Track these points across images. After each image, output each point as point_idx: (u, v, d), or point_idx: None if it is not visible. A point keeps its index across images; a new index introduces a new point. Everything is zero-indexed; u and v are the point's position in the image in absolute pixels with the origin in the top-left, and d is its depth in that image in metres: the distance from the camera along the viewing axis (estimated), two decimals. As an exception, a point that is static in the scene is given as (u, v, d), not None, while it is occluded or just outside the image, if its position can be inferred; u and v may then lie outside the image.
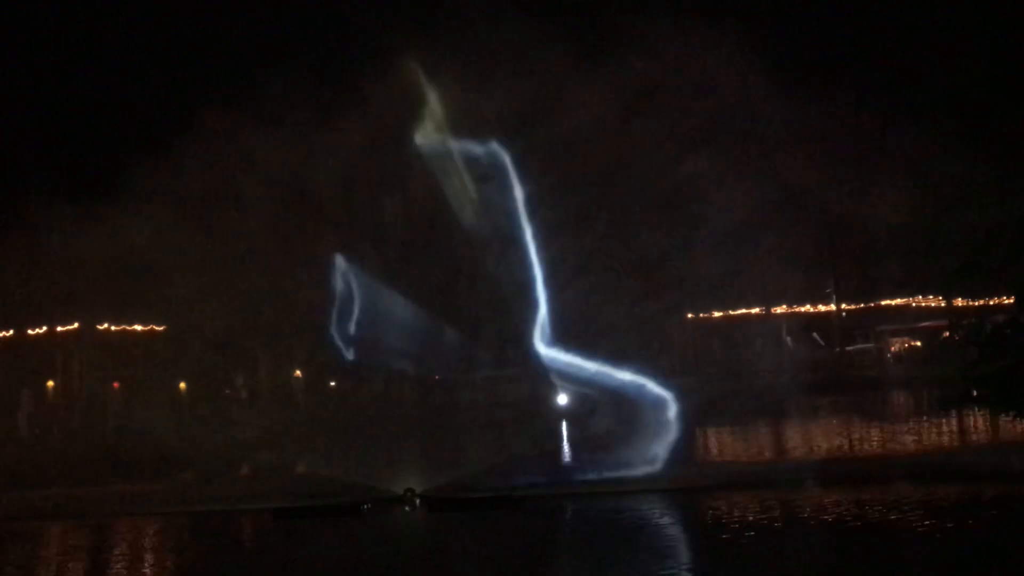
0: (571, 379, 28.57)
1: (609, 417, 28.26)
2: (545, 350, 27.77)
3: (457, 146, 28.87)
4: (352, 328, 30.07)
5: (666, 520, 22.33)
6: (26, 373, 45.69)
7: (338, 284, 30.23)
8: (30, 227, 34.57)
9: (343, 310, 30.12)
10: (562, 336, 28.04)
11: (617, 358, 28.00)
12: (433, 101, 29.26)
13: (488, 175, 28.30)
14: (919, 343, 59.17)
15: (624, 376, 26.89)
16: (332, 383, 36.77)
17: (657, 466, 25.80)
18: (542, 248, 28.38)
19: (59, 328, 46.59)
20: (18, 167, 43.88)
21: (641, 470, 25.53)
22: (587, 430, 28.74)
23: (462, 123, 28.94)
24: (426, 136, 29.50)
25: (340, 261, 30.30)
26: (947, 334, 53.95)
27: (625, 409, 27.17)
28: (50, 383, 48.53)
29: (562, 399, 33.05)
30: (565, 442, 29.34)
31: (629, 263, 30.97)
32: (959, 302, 50.32)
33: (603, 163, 29.77)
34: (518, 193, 28.38)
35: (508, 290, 29.20)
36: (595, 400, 28.87)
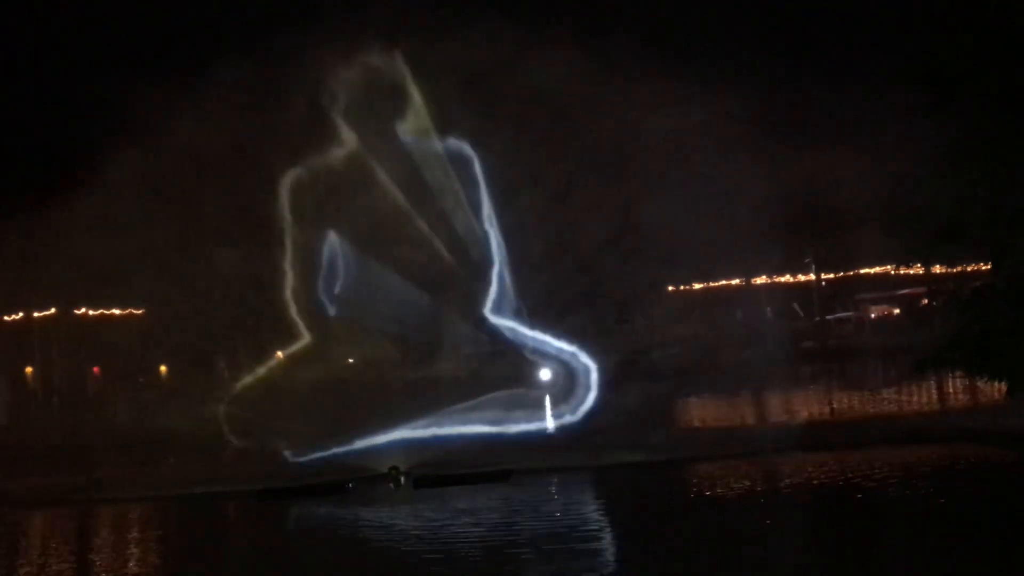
0: (542, 353, 29.20)
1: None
2: (509, 323, 28.46)
3: (426, 117, 29.04)
4: (332, 305, 30.06)
5: (654, 491, 22.43)
6: (3, 360, 45.32)
7: (322, 262, 30.25)
8: (4, 213, 34.12)
9: (327, 286, 30.17)
10: (531, 311, 28.44)
11: (592, 332, 28.49)
12: (404, 79, 29.22)
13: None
14: (898, 311, 59.62)
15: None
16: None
17: (637, 438, 26.06)
18: (512, 222, 28.72)
19: (36, 314, 46.19)
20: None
21: (622, 443, 25.77)
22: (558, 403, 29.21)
23: (430, 97, 28.95)
24: (399, 114, 29.52)
25: (323, 238, 30.31)
26: (926, 301, 54.33)
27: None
28: (28, 369, 48.18)
29: (545, 374, 33.12)
30: (548, 417, 29.52)
31: (607, 237, 30.96)
32: (938, 269, 50.57)
33: (577, 135, 29.69)
34: (481, 165, 28.76)
35: (487, 266, 29.29)
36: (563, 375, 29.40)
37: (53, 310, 45.76)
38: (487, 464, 25.34)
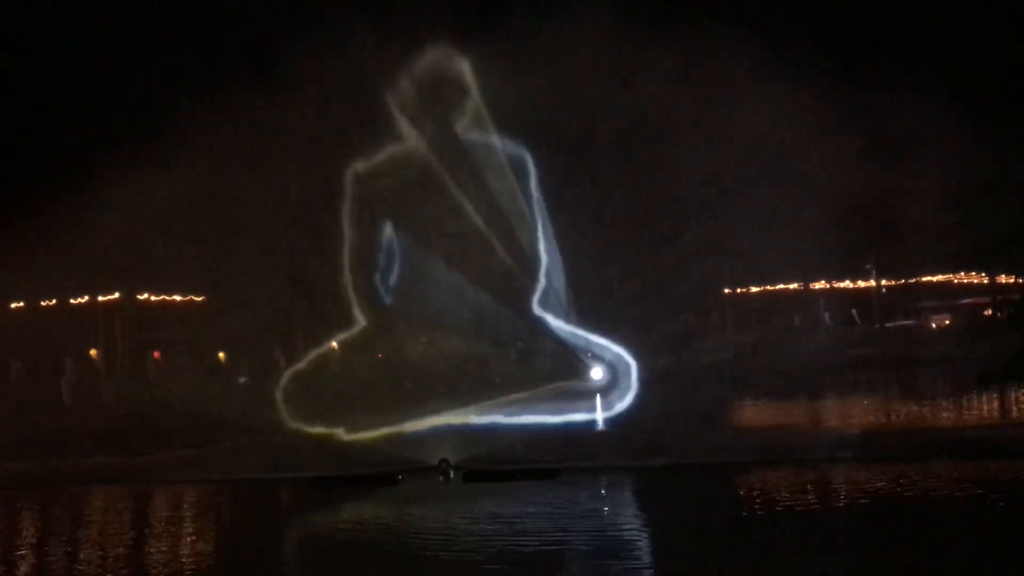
0: (594, 353, 29.44)
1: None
2: (557, 321, 28.77)
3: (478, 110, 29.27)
4: (388, 295, 30.47)
5: (705, 495, 22.21)
6: (69, 342, 46.51)
7: (380, 252, 30.65)
8: (73, 197, 34.99)
9: (383, 276, 30.58)
10: (580, 309, 28.57)
11: (643, 333, 28.57)
12: (464, 75, 29.44)
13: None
14: (961, 320, 58.37)
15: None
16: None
17: (687, 440, 25.95)
18: (565, 220, 28.84)
19: (100, 298, 47.40)
20: (57, 135, 44.45)
21: (671, 444, 25.68)
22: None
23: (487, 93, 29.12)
24: (458, 110, 29.74)
25: (381, 229, 30.68)
26: (989, 311, 53.14)
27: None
28: (92, 352, 49.38)
29: (597, 373, 33.07)
30: (598, 412, 29.51)
31: (663, 237, 30.81)
32: (1002, 278, 49.53)
33: (636, 137, 29.59)
34: (534, 162, 28.97)
35: (537, 262, 29.41)
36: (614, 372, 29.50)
37: (117, 295, 46.96)
38: (536, 458, 25.40)
